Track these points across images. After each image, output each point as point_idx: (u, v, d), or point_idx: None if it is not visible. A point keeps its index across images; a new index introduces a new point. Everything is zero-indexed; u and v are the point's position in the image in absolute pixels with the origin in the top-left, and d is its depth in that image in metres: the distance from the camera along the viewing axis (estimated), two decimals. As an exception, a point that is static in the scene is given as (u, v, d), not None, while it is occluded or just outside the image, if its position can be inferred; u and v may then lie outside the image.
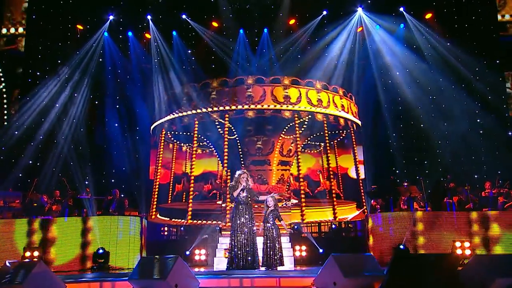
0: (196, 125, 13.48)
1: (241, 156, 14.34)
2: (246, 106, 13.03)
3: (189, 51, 14.64)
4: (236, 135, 14.05)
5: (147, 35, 14.61)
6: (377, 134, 14.43)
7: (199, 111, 13.32)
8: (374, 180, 13.56)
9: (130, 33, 14.35)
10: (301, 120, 13.42)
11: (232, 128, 13.75)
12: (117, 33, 14.19)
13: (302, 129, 13.80)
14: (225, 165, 13.20)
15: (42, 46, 13.69)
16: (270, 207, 8.10)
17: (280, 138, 14.22)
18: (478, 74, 13.42)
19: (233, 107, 13.08)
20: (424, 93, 13.64)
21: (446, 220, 8.92)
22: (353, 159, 15.39)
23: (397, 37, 14.11)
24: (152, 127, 15.12)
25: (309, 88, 13.56)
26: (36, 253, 8.22)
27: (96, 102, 13.74)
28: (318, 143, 15.85)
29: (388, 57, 14.00)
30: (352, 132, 15.07)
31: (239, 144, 14.33)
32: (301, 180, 13.78)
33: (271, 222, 8.09)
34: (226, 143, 13.26)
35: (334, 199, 13.60)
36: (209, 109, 13.20)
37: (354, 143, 15.20)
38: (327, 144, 14.61)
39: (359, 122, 15.23)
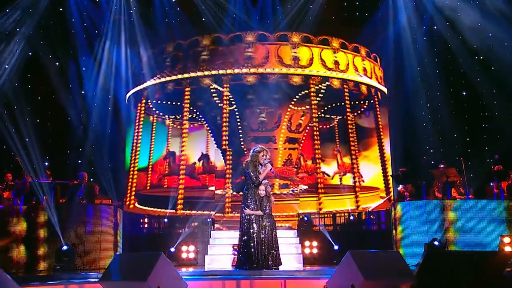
0: (187, 93, 13.35)
1: (240, 131, 14.30)
2: (245, 70, 12.87)
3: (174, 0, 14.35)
4: (234, 106, 13.95)
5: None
6: (406, 104, 14.32)
7: (186, 75, 13.19)
8: (402, 162, 13.55)
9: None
10: (317, 87, 13.28)
11: (230, 97, 13.64)
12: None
13: (318, 98, 13.67)
14: (224, 142, 13.14)
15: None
16: (262, 195, 8.07)
17: (289, 110, 14.13)
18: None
19: (229, 71, 12.92)
20: (472, 52, 13.36)
21: (493, 211, 8.93)
22: (376, 135, 15.37)
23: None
24: (128, 95, 15.03)
25: (324, 47, 13.37)
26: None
27: (57, 64, 13.57)
28: (331, 116, 15.77)
29: (427, 4, 13.63)
30: (376, 102, 14.96)
31: (238, 117, 14.26)
32: (318, 161, 13.76)
33: (267, 212, 8.07)
34: (225, 115, 13.19)
35: (357, 183, 13.65)
36: (199, 73, 13.06)
37: (378, 115, 15.13)
38: (348, 117, 14.58)
39: (385, 90, 15.12)
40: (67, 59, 13.57)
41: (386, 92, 15.28)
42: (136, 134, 15.33)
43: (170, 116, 16.26)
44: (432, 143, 14.14)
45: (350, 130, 14.68)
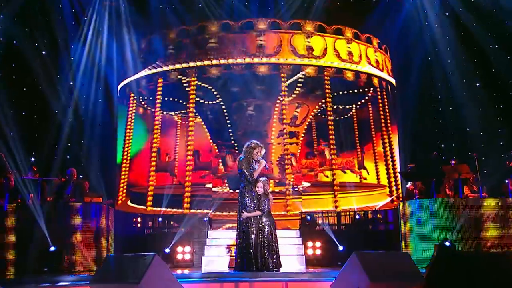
0: (193, 83, 13.27)
1: (229, 125, 14.40)
2: (256, 60, 12.88)
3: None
4: (220, 99, 14.02)
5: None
6: (415, 96, 14.31)
7: (192, 64, 13.17)
8: (411, 157, 13.56)
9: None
10: (300, 77, 13.31)
11: (213, 89, 13.70)
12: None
13: (298, 88, 13.72)
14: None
15: None
16: (260, 192, 8.08)
17: (278, 101, 14.18)
18: None
19: (239, 60, 12.94)
20: (489, 38, 13.30)
21: (508, 209, 8.94)
22: (383, 130, 15.39)
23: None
24: (119, 86, 15.00)
25: (338, 37, 13.40)
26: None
27: (44, 52, 13.53)
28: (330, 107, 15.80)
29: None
30: (384, 94, 14.99)
31: (225, 110, 14.33)
32: (333, 157, 13.76)
33: (266, 211, 8.07)
34: (223, 108, 13.16)
35: (363, 179, 13.69)
36: (207, 62, 13.03)
37: (386, 108, 15.14)
38: (353, 110, 14.60)
39: (394, 81, 15.14)
40: (55, 48, 13.52)
41: (394, 83, 15.30)
42: (128, 128, 15.34)
43: (167, 110, 16.31)
44: (443, 137, 14.14)
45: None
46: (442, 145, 14.20)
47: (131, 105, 15.43)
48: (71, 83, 13.62)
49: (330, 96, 13.79)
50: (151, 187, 13.98)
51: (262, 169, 8.23)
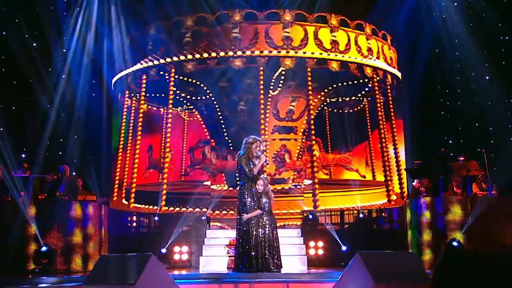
0: (172, 79, 13.40)
1: (222, 121, 14.44)
2: (230, 53, 12.90)
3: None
4: (210, 95, 14.04)
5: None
6: (423, 90, 14.30)
7: (168, 60, 13.23)
8: (417, 154, 13.55)
9: None
10: (312, 70, 13.27)
11: (202, 85, 13.73)
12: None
13: (282, 80, 13.69)
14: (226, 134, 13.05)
15: None
16: (260, 190, 8.07)
17: (316, 99, 14.17)
18: None
19: (213, 54, 12.99)
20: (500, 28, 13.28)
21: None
22: (390, 124, 15.39)
23: None
24: (113, 81, 15.03)
25: (320, 25, 13.38)
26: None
27: (35, 44, 13.50)
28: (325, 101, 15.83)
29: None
30: (389, 87, 14.96)
31: (217, 105, 14.37)
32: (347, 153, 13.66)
33: (267, 210, 8.07)
34: (215, 104, 13.18)
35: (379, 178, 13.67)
36: (182, 57, 13.10)
37: (390, 102, 15.14)
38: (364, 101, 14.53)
39: (398, 73, 15.12)
40: (47, 39, 13.48)
41: (400, 76, 15.24)
42: (124, 123, 15.34)
43: (156, 105, 16.35)
44: (450, 133, 14.12)
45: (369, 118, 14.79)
46: (450, 141, 14.18)
47: (126, 99, 15.43)
48: (63, 76, 13.59)
49: (327, 89, 13.80)
50: (133, 184, 14.07)
51: (263, 165, 8.22)
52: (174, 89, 13.78)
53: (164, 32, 13.50)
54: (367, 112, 16.13)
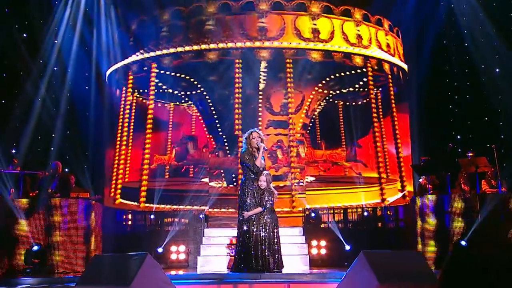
0: (161, 72, 13.39)
1: (215, 116, 14.44)
2: (258, 43, 12.86)
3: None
4: (202, 89, 14.09)
5: None
6: (429, 83, 14.26)
7: (187, 48, 13.18)
8: (424, 149, 13.54)
9: None
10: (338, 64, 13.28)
11: (192, 79, 13.76)
12: None
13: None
14: (238, 127, 13.12)
15: None
16: (263, 187, 8.07)
17: (313, 92, 14.14)
18: None
19: (239, 44, 12.93)
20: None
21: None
22: (391, 118, 15.38)
23: None
24: (108, 72, 14.96)
25: (346, 18, 13.36)
26: None
27: (25, 35, 13.46)
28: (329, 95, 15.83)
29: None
30: (390, 81, 14.97)
31: (209, 100, 14.40)
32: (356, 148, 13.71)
33: (268, 207, 8.07)
34: (238, 95, 13.17)
35: (383, 175, 13.71)
36: (204, 46, 13.05)
37: (391, 96, 15.14)
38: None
39: (406, 67, 15.10)
40: (37, 28, 13.43)
41: (407, 70, 15.25)
42: (121, 117, 15.31)
43: (160, 99, 16.35)
44: (459, 128, 14.10)
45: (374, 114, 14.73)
46: (458, 136, 14.17)
47: (123, 92, 15.41)
48: (55, 68, 13.55)
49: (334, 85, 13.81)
50: (119, 180, 14.18)
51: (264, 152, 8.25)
52: (184, 84, 13.78)
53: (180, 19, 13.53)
54: (373, 104, 16.02)
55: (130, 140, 14.63)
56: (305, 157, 14.67)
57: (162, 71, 13.91)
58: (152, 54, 13.50)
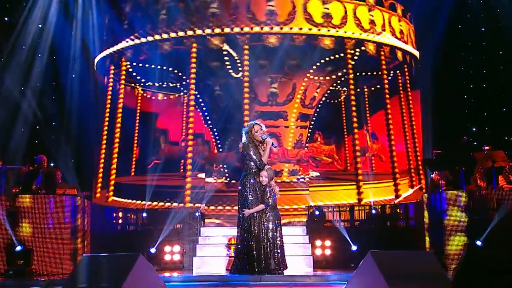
0: (194, 54, 13.22)
1: (204, 108, 14.50)
2: (266, 28, 12.78)
3: None
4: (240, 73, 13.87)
5: None
6: (443, 71, 14.24)
7: (190, 33, 13.09)
8: (436, 143, 13.54)
9: None
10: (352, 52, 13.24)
11: (238, 61, 13.56)
12: None
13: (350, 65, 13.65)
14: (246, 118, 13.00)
15: None
16: (264, 183, 8.07)
17: (306, 79, 14.07)
18: None
19: (246, 29, 12.85)
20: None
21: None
22: (403, 111, 15.37)
23: None
24: (96, 59, 14.92)
25: (359, 3, 13.29)
26: None
27: (7, 19, 13.43)
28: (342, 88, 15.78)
29: None
30: (406, 69, 14.95)
31: (196, 92, 14.36)
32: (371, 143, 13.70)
33: (270, 204, 8.08)
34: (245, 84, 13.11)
35: (397, 170, 13.74)
36: (207, 31, 12.98)
37: (407, 86, 15.13)
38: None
39: (417, 55, 15.08)
40: (20, 12, 13.38)
41: (419, 58, 15.24)
42: (109, 108, 15.32)
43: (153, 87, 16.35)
44: (474, 120, 14.08)
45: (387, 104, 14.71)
46: (473, 128, 14.16)
47: (111, 81, 15.40)
48: (39, 55, 13.52)
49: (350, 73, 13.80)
50: (112, 175, 14.27)
51: (272, 149, 8.24)
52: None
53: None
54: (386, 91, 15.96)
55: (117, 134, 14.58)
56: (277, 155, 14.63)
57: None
58: (150, 38, 13.33)
